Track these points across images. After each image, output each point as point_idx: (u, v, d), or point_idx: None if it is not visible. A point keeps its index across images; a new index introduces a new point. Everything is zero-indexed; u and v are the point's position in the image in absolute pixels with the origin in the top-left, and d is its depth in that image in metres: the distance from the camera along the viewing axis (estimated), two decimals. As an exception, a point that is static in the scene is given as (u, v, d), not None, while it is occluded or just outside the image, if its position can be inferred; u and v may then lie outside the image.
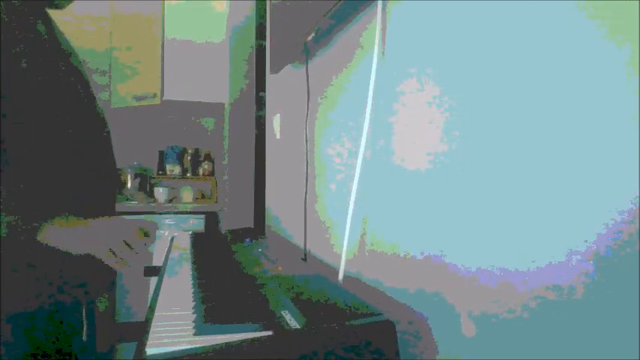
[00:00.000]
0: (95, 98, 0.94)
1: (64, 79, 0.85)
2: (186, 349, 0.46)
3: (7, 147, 0.75)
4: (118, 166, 1.02)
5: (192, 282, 0.79)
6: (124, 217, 0.86)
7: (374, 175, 0.83)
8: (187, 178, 3.11)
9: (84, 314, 0.89)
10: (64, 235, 0.77)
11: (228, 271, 0.87)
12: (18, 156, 0.77)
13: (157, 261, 1.19)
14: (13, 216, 0.73)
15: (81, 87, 0.90)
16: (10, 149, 0.76)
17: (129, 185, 2.91)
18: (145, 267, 1.12)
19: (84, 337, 0.89)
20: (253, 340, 0.49)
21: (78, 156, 0.86)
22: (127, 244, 0.80)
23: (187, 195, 2.95)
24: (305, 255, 1.21)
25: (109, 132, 0.97)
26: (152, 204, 2.79)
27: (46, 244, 0.76)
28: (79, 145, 0.86)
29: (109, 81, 2.80)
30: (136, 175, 2.94)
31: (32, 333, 0.79)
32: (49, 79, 0.81)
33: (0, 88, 0.74)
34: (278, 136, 1.63)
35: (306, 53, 1.22)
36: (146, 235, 0.84)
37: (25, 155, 0.78)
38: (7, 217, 0.73)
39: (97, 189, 0.91)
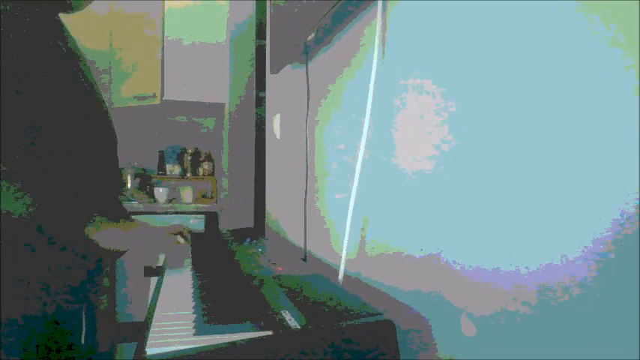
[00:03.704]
0: (107, 111, 0.97)
1: (78, 84, 0.88)
2: (186, 349, 0.46)
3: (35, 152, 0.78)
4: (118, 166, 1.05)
5: (192, 282, 0.79)
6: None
7: (374, 175, 0.83)
8: (187, 178, 3.11)
9: (84, 318, 0.89)
10: (125, 235, 0.85)
11: (228, 271, 0.87)
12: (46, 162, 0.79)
13: (157, 261, 1.19)
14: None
15: (91, 91, 0.92)
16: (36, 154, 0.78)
17: (129, 185, 2.90)
18: (144, 267, 1.12)
19: (82, 341, 0.89)
20: (253, 340, 0.49)
21: (91, 161, 0.88)
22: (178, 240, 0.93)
23: (187, 195, 2.94)
24: (305, 255, 1.21)
25: (116, 137, 1.00)
26: (152, 204, 2.79)
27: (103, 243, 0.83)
28: (91, 150, 0.89)
29: (109, 81, 2.80)
30: (136, 175, 2.94)
31: (31, 337, 0.78)
32: (65, 84, 0.84)
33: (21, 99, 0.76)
34: (278, 136, 1.63)
35: (306, 53, 1.22)
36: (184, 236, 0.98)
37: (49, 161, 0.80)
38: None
39: (107, 192, 0.95)
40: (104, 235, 0.82)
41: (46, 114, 0.79)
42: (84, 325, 0.89)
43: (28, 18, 0.79)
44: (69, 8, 0.92)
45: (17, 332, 0.76)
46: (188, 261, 0.99)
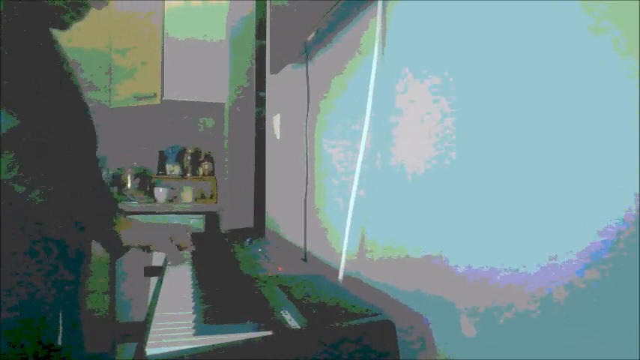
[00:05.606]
0: (91, 115, 0.97)
1: (65, 86, 0.88)
2: (186, 349, 0.46)
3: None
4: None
5: (192, 282, 0.79)
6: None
7: (374, 175, 0.83)
8: (187, 178, 3.11)
9: (60, 319, 0.89)
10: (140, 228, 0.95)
11: (228, 271, 0.87)
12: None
13: (157, 261, 1.19)
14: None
15: (76, 94, 0.92)
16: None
17: (129, 185, 2.90)
18: (144, 267, 1.12)
19: (59, 342, 0.88)
20: (253, 340, 0.49)
21: (76, 160, 0.88)
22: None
23: (187, 195, 2.95)
24: (305, 255, 1.21)
25: (97, 141, 1.00)
26: (152, 204, 2.79)
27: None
28: (75, 150, 0.89)
29: (109, 81, 2.80)
30: (136, 175, 2.94)
31: (8, 340, 0.77)
32: (51, 85, 0.83)
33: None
34: (278, 136, 1.63)
35: (306, 53, 1.22)
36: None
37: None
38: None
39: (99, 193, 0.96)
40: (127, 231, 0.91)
41: (36, 110, 0.78)
42: (61, 326, 0.88)
43: (23, 15, 0.79)
44: (64, 27, 0.91)
45: None
46: (188, 261, 0.99)
